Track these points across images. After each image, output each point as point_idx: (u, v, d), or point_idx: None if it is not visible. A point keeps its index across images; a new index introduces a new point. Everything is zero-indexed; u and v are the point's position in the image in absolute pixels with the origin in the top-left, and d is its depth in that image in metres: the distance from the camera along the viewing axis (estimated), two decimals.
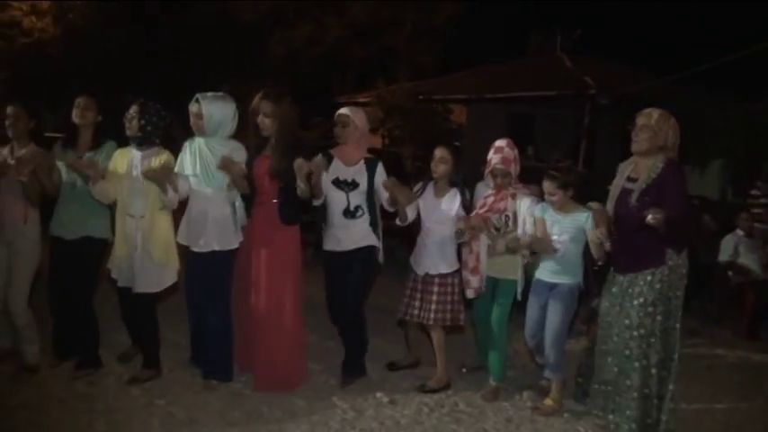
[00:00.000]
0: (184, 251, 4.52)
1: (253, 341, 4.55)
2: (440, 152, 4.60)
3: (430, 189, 4.70)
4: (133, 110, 4.30)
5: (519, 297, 4.71)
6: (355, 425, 4.25)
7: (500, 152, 4.58)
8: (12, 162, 4.29)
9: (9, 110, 4.39)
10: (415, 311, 4.70)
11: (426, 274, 4.67)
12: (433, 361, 4.94)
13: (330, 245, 4.70)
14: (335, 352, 5.15)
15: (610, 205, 4.29)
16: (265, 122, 4.35)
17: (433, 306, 4.63)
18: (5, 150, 4.45)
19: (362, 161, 4.63)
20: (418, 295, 4.71)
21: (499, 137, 4.81)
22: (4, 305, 4.42)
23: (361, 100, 16.50)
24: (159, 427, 4.06)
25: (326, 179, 4.56)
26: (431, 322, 4.68)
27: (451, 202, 4.59)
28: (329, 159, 4.56)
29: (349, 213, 4.58)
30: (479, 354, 5.17)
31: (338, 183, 4.56)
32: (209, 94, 4.33)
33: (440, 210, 4.61)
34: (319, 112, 12.98)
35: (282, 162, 4.29)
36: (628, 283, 4.18)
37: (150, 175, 4.13)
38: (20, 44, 16.26)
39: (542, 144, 15.12)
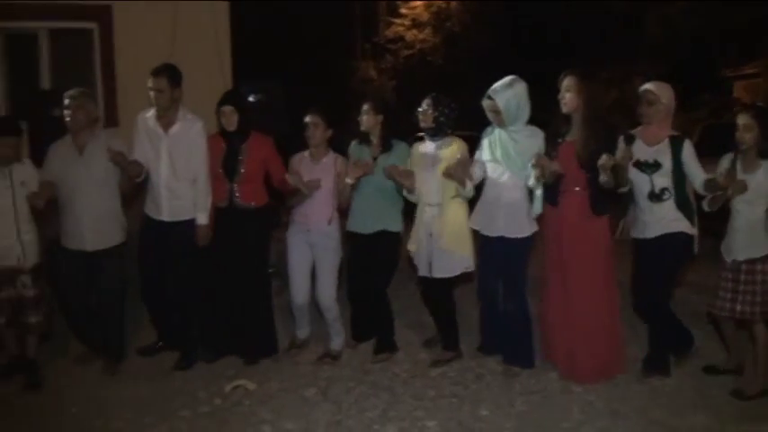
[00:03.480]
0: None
1: (565, 331, 4.33)
2: (743, 119, 4.00)
3: (738, 163, 4.04)
4: (426, 103, 4.40)
5: None
6: None
7: None
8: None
9: (308, 118, 4.61)
10: (726, 304, 4.13)
11: (734, 261, 4.10)
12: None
13: (637, 231, 4.32)
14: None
15: None
16: (566, 97, 4.13)
17: (740, 297, 4.06)
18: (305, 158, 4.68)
19: (666, 140, 4.19)
20: (729, 285, 4.12)
21: None
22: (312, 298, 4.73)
23: (749, 71, 14.66)
24: (579, 413, 3.91)
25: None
26: (737, 315, 4.10)
27: (763, 177, 3.96)
28: (632, 140, 4.12)
29: (654, 196, 4.16)
30: None
31: (639, 165, 4.17)
32: (498, 85, 4.24)
33: (749, 186, 3.93)
34: (703, 88, 11.76)
35: (589, 148, 4.05)
36: None
37: (447, 175, 4.20)
38: (403, 56, 17.90)
39: None
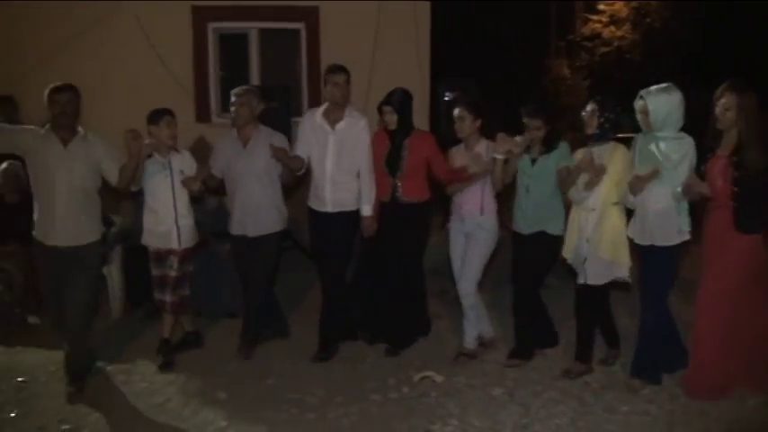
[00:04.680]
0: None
1: (724, 349, 4.07)
2: None
3: None
4: (590, 108, 4.29)
5: None
6: None
7: None
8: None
9: (456, 112, 4.60)
10: None
11: None
12: None
13: None
14: None
15: None
16: (724, 114, 3.92)
17: None
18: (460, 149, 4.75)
19: None
20: None
21: None
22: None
23: None
24: None
25: None
26: None
27: None
28: None
29: None
30: None
31: None
32: (653, 88, 4.11)
33: None
34: None
35: (746, 164, 3.85)
36: None
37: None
38: (599, 53, 17.28)
39: None
